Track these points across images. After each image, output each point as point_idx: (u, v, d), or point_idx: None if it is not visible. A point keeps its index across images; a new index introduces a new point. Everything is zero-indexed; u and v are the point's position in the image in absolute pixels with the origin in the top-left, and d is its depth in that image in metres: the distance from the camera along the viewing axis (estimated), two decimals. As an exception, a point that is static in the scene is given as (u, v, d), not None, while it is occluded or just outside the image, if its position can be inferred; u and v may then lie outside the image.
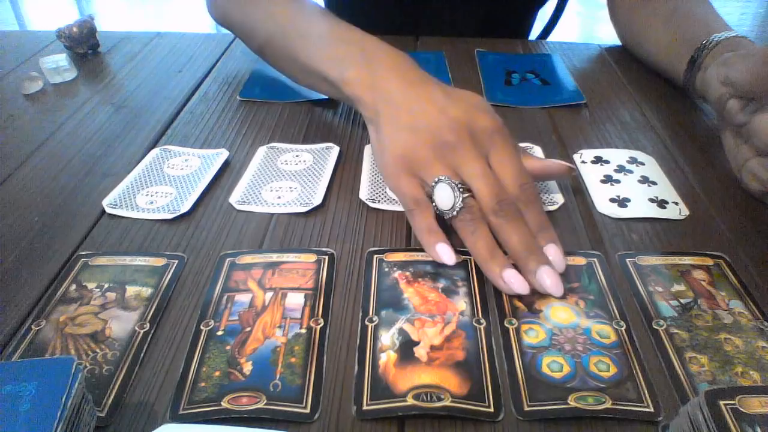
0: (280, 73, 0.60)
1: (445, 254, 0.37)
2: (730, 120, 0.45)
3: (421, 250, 0.40)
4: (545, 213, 0.40)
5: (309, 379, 0.31)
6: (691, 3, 0.62)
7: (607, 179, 0.47)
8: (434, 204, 0.39)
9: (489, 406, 0.30)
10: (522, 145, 0.52)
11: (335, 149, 0.52)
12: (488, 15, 0.82)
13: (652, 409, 0.29)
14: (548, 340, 0.33)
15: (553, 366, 0.32)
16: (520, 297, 0.36)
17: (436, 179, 0.39)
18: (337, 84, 0.48)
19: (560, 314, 0.35)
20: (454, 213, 0.38)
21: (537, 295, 0.36)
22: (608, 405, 0.29)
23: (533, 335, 0.34)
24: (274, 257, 0.39)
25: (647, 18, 0.66)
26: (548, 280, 0.36)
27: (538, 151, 0.52)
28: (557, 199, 0.45)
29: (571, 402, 0.30)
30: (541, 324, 0.34)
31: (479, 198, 0.38)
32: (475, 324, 0.34)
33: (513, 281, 0.36)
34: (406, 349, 0.33)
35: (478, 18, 0.82)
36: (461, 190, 0.38)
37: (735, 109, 0.44)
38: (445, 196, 0.39)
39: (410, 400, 0.30)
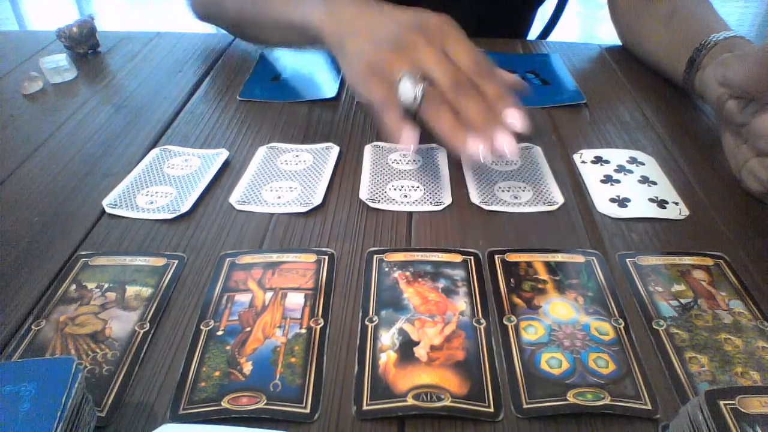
0: (255, 44, 0.65)
1: (408, 138, 0.42)
2: (729, 120, 0.45)
3: (422, 250, 0.40)
4: (503, 80, 0.44)
5: (309, 379, 0.31)
6: (691, 3, 0.62)
7: (607, 179, 0.47)
8: (400, 100, 0.43)
9: (489, 406, 0.30)
10: (521, 145, 0.52)
11: (335, 149, 0.52)
12: (488, 14, 0.82)
13: (650, 407, 0.29)
14: (547, 336, 0.33)
15: (552, 362, 0.32)
16: (519, 294, 0.36)
17: (399, 77, 0.42)
18: (302, 24, 0.52)
19: (559, 310, 0.35)
20: (417, 102, 0.42)
21: (536, 291, 0.36)
22: (607, 401, 0.29)
23: (532, 332, 0.34)
24: (274, 257, 0.39)
25: (647, 18, 0.66)
26: (503, 140, 0.40)
27: (538, 151, 0.52)
28: (557, 199, 0.45)
29: (570, 398, 0.30)
30: (540, 320, 0.34)
31: (437, 82, 0.42)
32: (475, 324, 0.34)
33: (476, 148, 0.39)
34: (406, 349, 0.33)
35: (478, 16, 0.82)
36: (421, 80, 0.42)
37: (734, 110, 0.44)
38: (407, 90, 0.42)
39: (410, 400, 0.30)
